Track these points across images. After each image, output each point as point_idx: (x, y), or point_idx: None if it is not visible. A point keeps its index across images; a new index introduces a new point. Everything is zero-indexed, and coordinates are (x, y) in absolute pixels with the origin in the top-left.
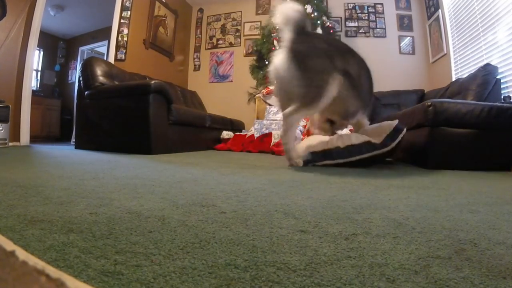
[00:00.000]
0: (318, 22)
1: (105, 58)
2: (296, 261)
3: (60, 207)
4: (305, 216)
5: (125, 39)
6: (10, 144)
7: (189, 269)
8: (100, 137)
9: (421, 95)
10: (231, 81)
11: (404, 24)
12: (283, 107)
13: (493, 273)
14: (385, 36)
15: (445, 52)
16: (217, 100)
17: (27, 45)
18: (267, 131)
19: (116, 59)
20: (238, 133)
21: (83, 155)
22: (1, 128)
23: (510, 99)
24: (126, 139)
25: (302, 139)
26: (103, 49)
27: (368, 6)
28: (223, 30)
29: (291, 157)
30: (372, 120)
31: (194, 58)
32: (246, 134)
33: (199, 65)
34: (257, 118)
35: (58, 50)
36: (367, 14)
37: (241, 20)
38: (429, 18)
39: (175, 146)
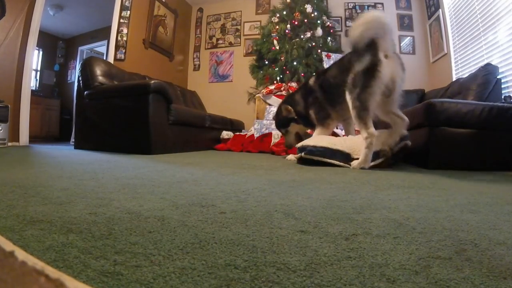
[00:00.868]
0: (318, 21)
1: (104, 58)
2: (296, 262)
3: (59, 207)
4: (305, 217)
5: (124, 38)
6: (9, 144)
7: (188, 270)
8: (99, 137)
9: (421, 95)
10: (231, 81)
11: (405, 23)
12: (377, 117)
13: (493, 274)
14: None
15: (446, 52)
16: (217, 100)
17: (26, 45)
18: (267, 131)
19: (115, 59)
20: (238, 133)
21: (82, 155)
22: (0, 128)
23: (511, 99)
24: (125, 139)
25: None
26: (102, 49)
27: (368, 6)
28: (223, 29)
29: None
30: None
31: (193, 58)
32: (246, 134)
33: (199, 65)
34: (257, 118)
35: (58, 49)
36: None
37: (241, 20)
38: (429, 17)
39: (174, 146)
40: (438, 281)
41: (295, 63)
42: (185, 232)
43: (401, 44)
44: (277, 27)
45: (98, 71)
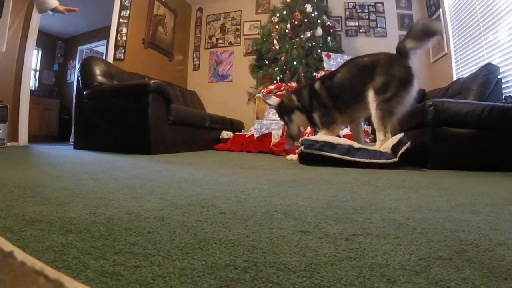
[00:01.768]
0: (318, 21)
1: (104, 58)
2: (296, 262)
3: (58, 207)
4: (305, 217)
5: (124, 38)
6: (9, 144)
7: (188, 270)
8: (99, 137)
9: (421, 95)
10: (231, 81)
11: (405, 23)
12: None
13: (494, 274)
14: (386, 36)
15: (446, 52)
16: (217, 100)
17: (26, 45)
18: (267, 131)
19: (115, 59)
20: (237, 133)
21: (81, 155)
22: None
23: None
24: (125, 139)
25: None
26: (102, 49)
27: (368, 6)
28: (223, 29)
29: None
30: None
31: (193, 58)
32: (246, 134)
33: (199, 65)
34: (257, 118)
35: (57, 49)
36: (367, 14)
37: (240, 20)
38: (430, 17)
39: (174, 146)
40: (438, 281)
41: (295, 63)
42: (184, 232)
43: None
44: (277, 26)
45: (97, 71)
